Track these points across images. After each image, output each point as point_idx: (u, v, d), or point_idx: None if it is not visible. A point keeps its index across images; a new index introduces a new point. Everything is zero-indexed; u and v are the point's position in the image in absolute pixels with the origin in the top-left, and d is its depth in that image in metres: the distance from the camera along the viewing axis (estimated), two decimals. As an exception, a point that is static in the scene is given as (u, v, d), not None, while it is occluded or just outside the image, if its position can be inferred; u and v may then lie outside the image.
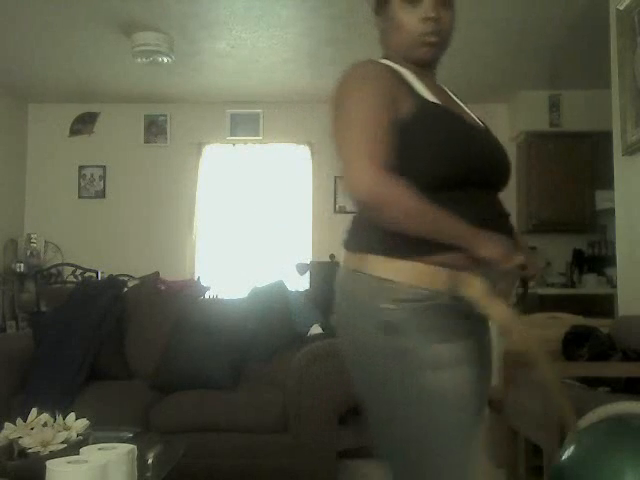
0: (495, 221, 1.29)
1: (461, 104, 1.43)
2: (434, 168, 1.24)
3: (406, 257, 1.23)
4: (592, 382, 2.61)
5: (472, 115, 1.41)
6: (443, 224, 1.20)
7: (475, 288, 1.22)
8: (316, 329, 3.25)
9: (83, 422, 1.70)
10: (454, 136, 1.28)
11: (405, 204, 1.18)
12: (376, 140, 1.20)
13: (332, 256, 5.30)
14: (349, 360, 1.31)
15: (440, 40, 1.34)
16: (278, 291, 3.39)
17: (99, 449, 1.51)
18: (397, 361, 1.21)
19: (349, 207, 6.03)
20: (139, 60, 4.72)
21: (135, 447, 1.56)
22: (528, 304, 1.43)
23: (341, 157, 1.21)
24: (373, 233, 1.25)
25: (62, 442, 1.60)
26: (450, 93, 1.44)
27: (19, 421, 1.66)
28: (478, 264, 1.22)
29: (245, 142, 6.21)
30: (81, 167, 6.25)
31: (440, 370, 1.20)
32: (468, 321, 1.25)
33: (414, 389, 1.21)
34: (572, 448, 1.79)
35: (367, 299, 1.25)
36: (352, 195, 1.18)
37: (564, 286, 5.59)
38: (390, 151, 1.20)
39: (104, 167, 6.25)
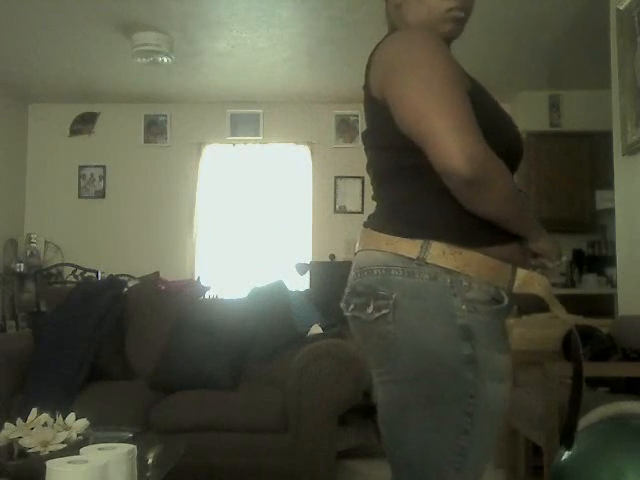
0: None
1: None
2: None
3: (474, 247, 1.11)
4: (592, 382, 2.61)
5: None
6: (526, 212, 1.14)
7: (543, 286, 1.16)
8: (316, 329, 3.25)
9: (83, 422, 1.70)
10: (501, 115, 1.22)
11: (507, 185, 1.09)
12: (469, 112, 1.07)
13: (332, 256, 5.30)
14: (402, 364, 1.13)
15: (465, 16, 1.25)
16: (278, 291, 3.39)
17: (99, 449, 1.51)
18: (467, 370, 1.10)
19: (349, 207, 6.05)
20: (139, 60, 4.72)
21: (135, 447, 1.56)
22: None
23: (434, 127, 1.05)
24: (438, 216, 1.13)
25: (62, 442, 1.60)
26: None
27: (19, 421, 1.66)
28: (530, 259, 1.18)
29: (245, 142, 6.21)
30: (81, 167, 6.25)
31: (500, 383, 1.14)
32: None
33: (477, 400, 1.11)
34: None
35: (439, 297, 1.11)
36: (453, 168, 1.02)
37: (564, 286, 5.58)
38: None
39: (104, 167, 6.25)
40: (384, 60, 1.17)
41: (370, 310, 1.13)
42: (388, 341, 1.13)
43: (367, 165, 1.30)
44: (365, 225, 1.25)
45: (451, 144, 1.03)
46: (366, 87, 1.23)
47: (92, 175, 6.25)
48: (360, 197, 6.00)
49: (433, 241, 1.11)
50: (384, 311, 1.12)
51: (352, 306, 1.18)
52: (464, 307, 1.10)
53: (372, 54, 1.22)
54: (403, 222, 1.16)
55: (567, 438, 1.33)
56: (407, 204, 1.17)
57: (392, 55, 1.16)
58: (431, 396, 1.11)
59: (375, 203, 1.28)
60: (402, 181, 1.18)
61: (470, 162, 1.02)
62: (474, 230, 1.12)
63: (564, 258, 1.33)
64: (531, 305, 1.19)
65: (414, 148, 1.11)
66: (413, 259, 1.11)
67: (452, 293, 1.10)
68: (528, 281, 1.16)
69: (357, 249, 1.25)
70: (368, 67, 1.22)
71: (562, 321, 1.21)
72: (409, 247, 1.12)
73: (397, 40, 1.18)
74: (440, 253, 1.11)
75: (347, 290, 1.22)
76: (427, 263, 1.11)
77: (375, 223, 1.21)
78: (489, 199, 1.08)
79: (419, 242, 1.12)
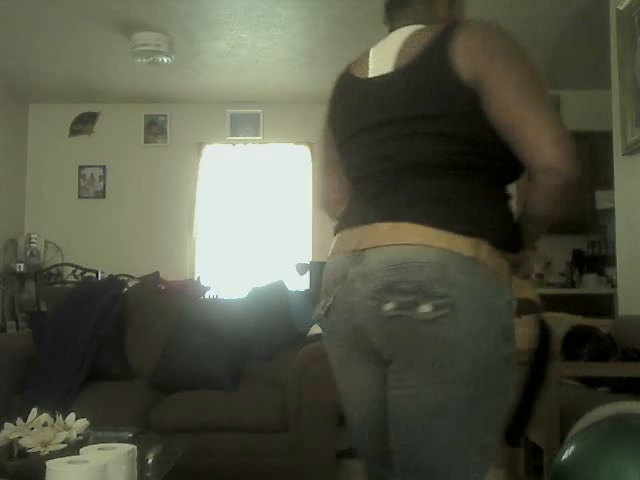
0: None
1: None
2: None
3: (504, 252, 1.15)
4: (592, 382, 2.61)
5: None
6: None
7: (532, 291, 1.22)
8: (316, 329, 3.24)
9: (83, 422, 1.70)
10: None
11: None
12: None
13: (332, 256, 5.29)
14: (456, 365, 1.11)
15: None
16: (278, 291, 3.39)
17: (99, 449, 1.51)
18: (506, 370, 1.15)
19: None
20: (139, 60, 4.72)
21: (135, 447, 1.56)
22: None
23: (554, 129, 1.11)
24: (488, 218, 1.16)
25: (62, 442, 1.60)
26: None
27: (19, 421, 1.66)
28: (525, 266, 1.24)
29: (245, 142, 6.21)
30: (81, 167, 6.25)
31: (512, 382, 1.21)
32: None
33: (505, 399, 1.19)
34: (572, 448, 1.79)
35: (490, 297, 1.12)
36: (561, 167, 1.10)
37: (564, 286, 5.58)
38: None
39: (104, 167, 6.25)
40: (477, 43, 1.17)
41: (426, 309, 1.08)
42: (444, 342, 1.10)
43: (388, 155, 1.23)
44: (387, 219, 1.17)
45: (564, 145, 1.10)
46: (441, 70, 1.17)
47: (92, 175, 6.25)
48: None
49: (483, 241, 1.12)
50: (444, 311, 1.08)
51: (392, 304, 1.11)
52: (507, 308, 1.13)
53: (450, 36, 1.18)
54: (459, 219, 1.13)
55: (512, 434, 1.32)
56: (462, 202, 1.16)
57: (492, 44, 1.17)
58: (473, 397, 1.12)
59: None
60: (454, 178, 1.17)
61: (575, 164, 1.10)
62: (509, 236, 1.17)
63: (548, 262, 1.42)
64: (523, 308, 1.20)
65: (487, 143, 1.15)
66: (469, 258, 1.10)
67: (498, 294, 1.13)
68: (521, 285, 1.21)
69: (378, 243, 1.15)
70: (446, 49, 1.17)
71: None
72: (464, 245, 1.11)
73: (491, 30, 1.20)
74: (488, 254, 1.12)
75: (373, 286, 1.14)
76: (480, 263, 1.11)
77: (416, 217, 1.14)
78: (569, 199, 1.15)
79: (473, 241, 1.11)
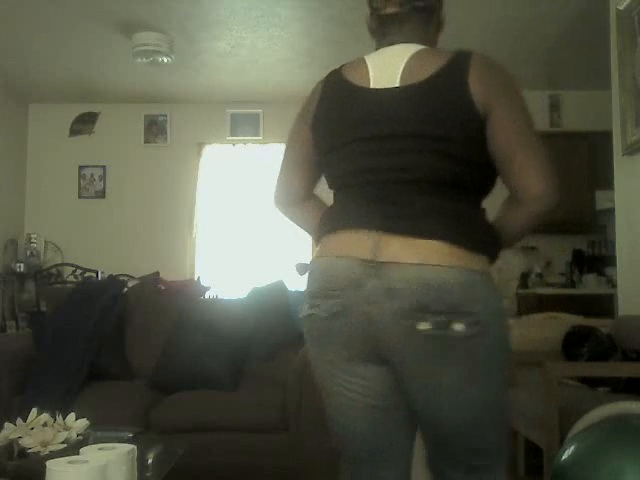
0: None
1: None
2: None
3: (494, 259, 1.32)
4: (592, 382, 2.61)
5: None
6: None
7: (509, 297, 1.41)
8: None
9: (83, 422, 1.70)
10: None
11: None
12: None
13: (332, 256, 5.29)
14: (494, 371, 1.28)
15: None
16: (278, 291, 3.39)
17: (99, 449, 1.51)
18: (510, 351, 1.32)
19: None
20: (139, 60, 4.72)
21: (135, 447, 1.56)
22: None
23: (540, 157, 1.27)
24: (487, 235, 1.29)
25: (62, 442, 1.60)
26: None
27: (19, 421, 1.66)
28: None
29: (245, 142, 6.21)
30: (81, 167, 6.25)
31: None
32: None
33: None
34: (572, 448, 1.79)
35: (499, 304, 1.27)
36: (549, 198, 1.27)
37: (564, 286, 5.59)
38: None
39: (104, 167, 6.25)
40: (489, 77, 1.28)
41: (459, 328, 1.18)
42: (475, 356, 1.22)
43: (396, 166, 1.28)
44: (402, 232, 1.22)
45: (552, 179, 1.27)
46: (458, 95, 1.26)
47: (92, 175, 6.26)
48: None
49: (485, 256, 1.26)
50: (475, 328, 1.19)
51: (426, 324, 1.18)
52: (506, 306, 1.31)
53: (465, 63, 1.27)
54: (470, 237, 1.23)
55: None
56: (467, 220, 1.27)
57: (497, 76, 1.30)
58: (500, 390, 1.31)
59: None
60: (456, 196, 1.28)
61: (558, 195, 1.27)
62: (499, 250, 1.33)
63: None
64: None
65: (481, 165, 1.29)
66: (483, 273, 1.23)
67: (500, 299, 1.29)
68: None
69: (400, 259, 1.20)
70: (462, 75, 1.26)
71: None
72: (479, 262, 1.23)
73: (499, 66, 1.31)
74: (488, 267, 1.27)
75: (403, 304, 1.18)
76: (488, 276, 1.25)
77: (434, 233, 1.21)
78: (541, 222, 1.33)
79: (482, 257, 1.25)
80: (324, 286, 1.28)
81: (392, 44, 1.38)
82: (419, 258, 1.19)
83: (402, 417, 1.35)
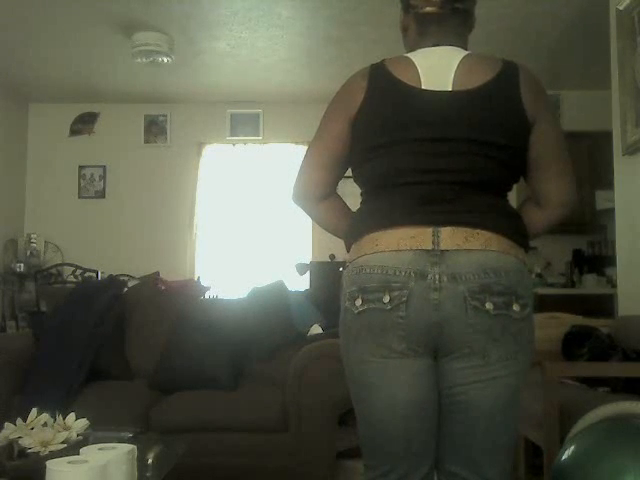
0: None
1: None
2: None
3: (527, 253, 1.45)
4: (592, 382, 2.61)
5: None
6: None
7: None
8: (316, 329, 3.25)
9: (83, 422, 1.70)
10: None
11: None
12: None
13: (332, 256, 5.29)
14: (529, 355, 1.36)
15: None
16: (278, 291, 3.39)
17: (99, 449, 1.51)
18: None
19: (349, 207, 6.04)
20: (139, 60, 4.72)
21: (135, 447, 1.56)
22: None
23: (572, 174, 1.43)
24: (525, 230, 1.41)
25: (62, 442, 1.60)
26: None
27: (19, 421, 1.66)
28: None
29: (245, 142, 6.21)
30: (81, 167, 6.25)
31: None
32: None
33: None
34: (572, 448, 1.79)
35: (532, 292, 1.38)
36: (574, 205, 1.44)
37: (564, 286, 5.58)
38: None
39: (104, 167, 6.25)
40: (535, 90, 1.40)
41: (517, 308, 1.30)
42: (524, 336, 1.33)
43: (452, 169, 1.34)
44: (462, 223, 1.31)
45: (575, 186, 1.43)
46: (512, 104, 1.36)
47: (92, 175, 6.26)
48: (360, 197, 5.99)
49: (523, 250, 1.38)
50: (526, 310, 1.32)
51: (491, 304, 1.28)
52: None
53: (515, 74, 1.39)
54: (516, 231, 1.37)
55: None
56: (512, 217, 1.40)
57: (541, 90, 1.42)
58: (525, 379, 1.37)
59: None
60: (502, 195, 1.42)
61: (577, 200, 1.45)
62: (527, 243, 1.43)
63: None
64: None
65: (517, 168, 1.41)
66: (524, 263, 1.36)
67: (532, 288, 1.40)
68: None
69: (462, 246, 1.29)
70: (514, 86, 1.37)
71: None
72: (522, 254, 1.37)
73: (540, 81, 1.43)
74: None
75: (469, 286, 1.27)
76: (527, 266, 1.36)
77: (491, 226, 1.32)
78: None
79: (522, 249, 1.37)
80: (385, 279, 1.29)
81: (436, 45, 1.41)
82: (481, 245, 1.30)
83: (434, 415, 1.36)
